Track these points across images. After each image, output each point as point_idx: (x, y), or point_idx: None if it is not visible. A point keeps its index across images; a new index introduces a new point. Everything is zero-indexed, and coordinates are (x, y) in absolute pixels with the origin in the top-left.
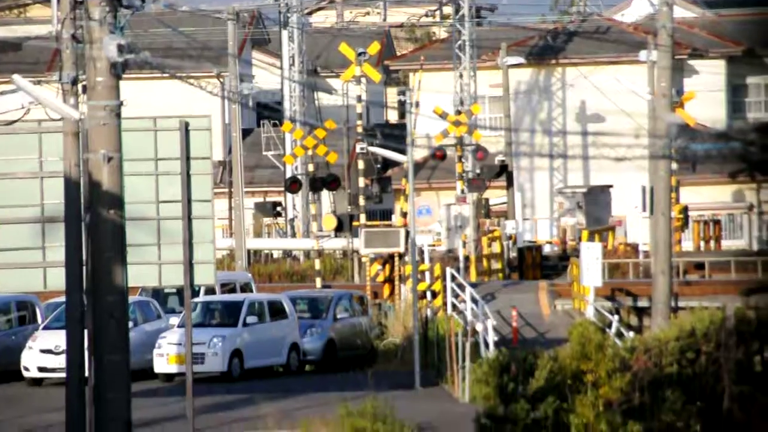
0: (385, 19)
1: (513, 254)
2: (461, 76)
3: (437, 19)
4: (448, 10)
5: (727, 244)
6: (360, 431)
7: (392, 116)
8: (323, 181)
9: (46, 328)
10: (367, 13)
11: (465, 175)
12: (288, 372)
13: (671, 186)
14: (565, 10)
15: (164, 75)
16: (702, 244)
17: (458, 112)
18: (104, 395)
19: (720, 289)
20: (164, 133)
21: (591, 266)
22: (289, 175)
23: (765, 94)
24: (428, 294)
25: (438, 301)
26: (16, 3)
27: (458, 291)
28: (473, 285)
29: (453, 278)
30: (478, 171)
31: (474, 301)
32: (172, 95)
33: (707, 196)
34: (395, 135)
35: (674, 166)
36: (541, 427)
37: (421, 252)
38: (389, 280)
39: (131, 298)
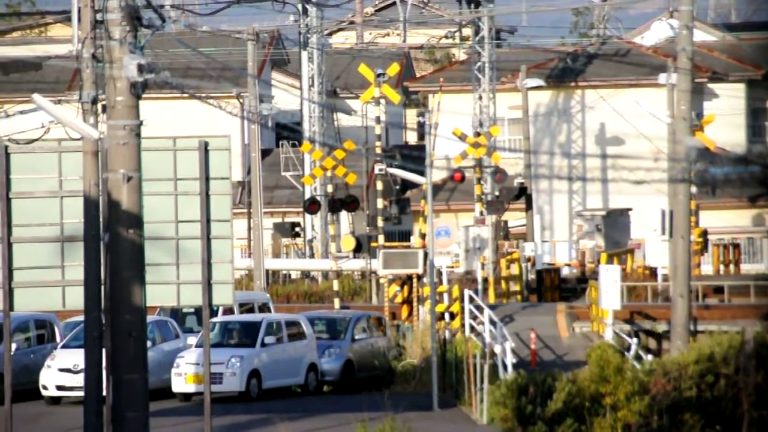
0: (404, 41)
1: (531, 276)
2: (480, 97)
3: (457, 40)
4: (467, 31)
5: (746, 268)
6: None
7: (411, 137)
8: (342, 202)
9: (64, 346)
10: (387, 35)
11: (484, 197)
12: (306, 392)
13: (690, 210)
14: (585, 33)
15: (184, 95)
16: (721, 267)
17: (477, 134)
18: (122, 414)
19: (739, 313)
20: (183, 152)
21: (610, 289)
22: (308, 195)
23: None
24: (446, 315)
25: (456, 323)
26: (36, 22)
27: (476, 313)
28: (492, 307)
29: (471, 300)
30: (497, 193)
31: (492, 322)
32: (192, 115)
33: (727, 221)
34: (414, 156)
35: (693, 189)
36: None
37: (440, 273)
38: (407, 301)
39: (149, 318)
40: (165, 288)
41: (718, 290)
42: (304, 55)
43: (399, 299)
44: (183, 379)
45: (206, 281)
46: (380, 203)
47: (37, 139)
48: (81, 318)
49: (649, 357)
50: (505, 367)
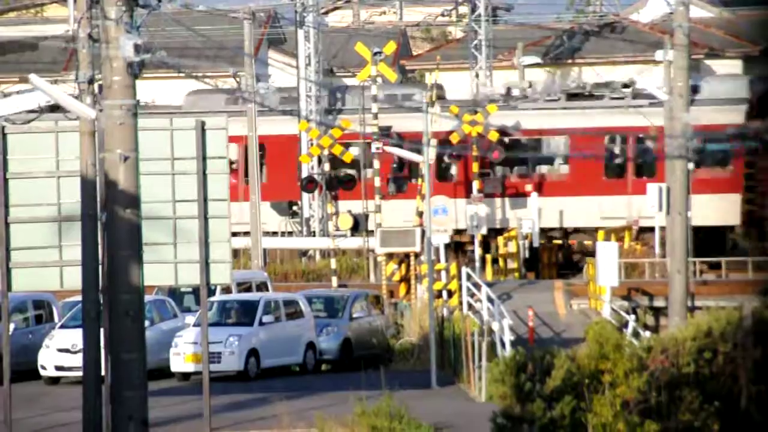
0: (401, 19)
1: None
2: (477, 75)
3: (453, 18)
4: (464, 9)
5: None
6: (376, 430)
7: None
8: (339, 180)
9: (62, 327)
10: (383, 13)
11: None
12: (304, 371)
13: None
14: (582, 10)
15: (180, 75)
16: None
17: (474, 112)
18: (121, 394)
19: (737, 288)
20: (180, 132)
21: (607, 266)
22: (305, 174)
23: None
24: (444, 293)
25: (454, 301)
26: (32, 2)
27: (474, 290)
28: (489, 284)
29: (469, 277)
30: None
31: (490, 300)
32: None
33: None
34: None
35: (690, 166)
36: (558, 426)
37: (438, 251)
38: (405, 279)
39: (147, 297)
40: (163, 267)
41: (716, 266)
42: (301, 33)
43: (397, 277)
44: (181, 359)
45: (204, 260)
46: (377, 181)
47: (34, 119)
48: (79, 298)
49: (647, 333)
50: (503, 344)
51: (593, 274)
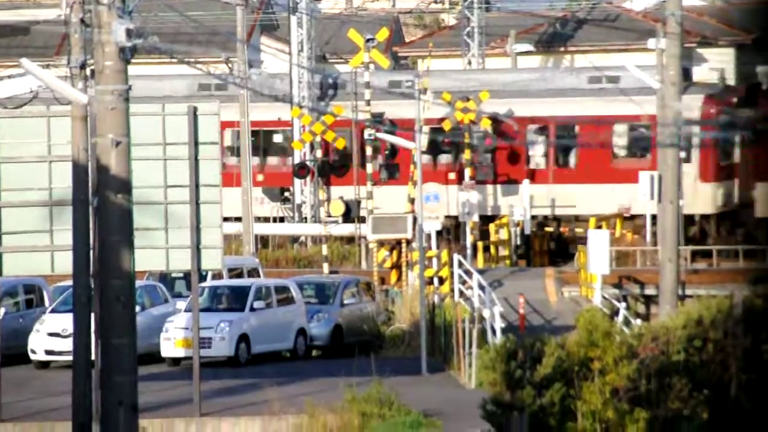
0: (394, 6)
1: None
2: (470, 63)
3: (446, 5)
4: None
5: None
6: (366, 416)
7: None
8: (332, 166)
9: (53, 311)
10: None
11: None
12: (295, 357)
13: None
14: None
15: (173, 60)
16: None
17: (466, 99)
18: (111, 379)
19: (728, 277)
20: (172, 117)
21: (598, 254)
22: (297, 160)
23: None
24: (435, 280)
25: (445, 288)
26: None
27: (465, 277)
28: (480, 271)
29: (460, 264)
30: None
31: (481, 287)
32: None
33: None
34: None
35: (682, 154)
36: (548, 413)
37: (429, 238)
38: (396, 266)
39: (138, 282)
40: (154, 253)
41: (707, 254)
42: (293, 20)
43: (388, 264)
44: (172, 344)
45: (195, 246)
46: (369, 168)
47: (25, 104)
48: (70, 283)
49: (638, 321)
50: (493, 331)
51: (584, 261)
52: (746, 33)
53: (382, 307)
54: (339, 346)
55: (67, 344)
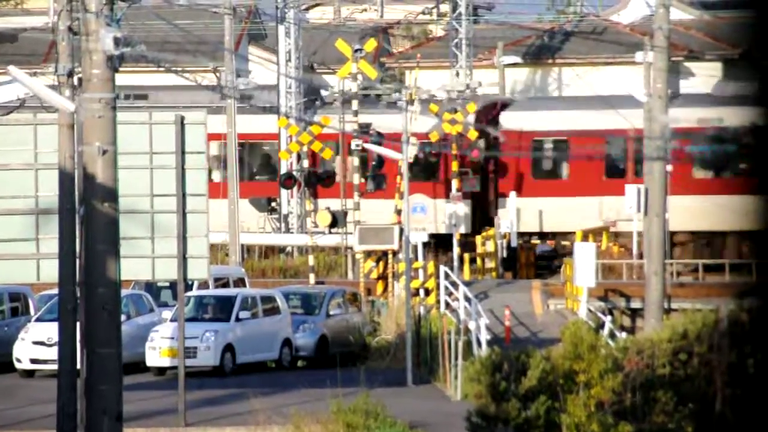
0: (382, 16)
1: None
2: (458, 74)
3: (434, 17)
4: (445, 8)
5: None
6: (352, 427)
7: None
8: (318, 177)
9: (38, 319)
10: (364, 10)
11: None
12: (280, 367)
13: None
14: (562, 10)
15: (160, 69)
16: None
17: (454, 110)
18: (96, 387)
19: (714, 291)
20: (160, 126)
21: (584, 266)
22: (283, 170)
23: None
24: (421, 291)
25: (431, 299)
26: None
27: (451, 289)
28: (466, 283)
29: (446, 276)
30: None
31: (467, 299)
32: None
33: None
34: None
35: (669, 167)
36: (533, 426)
37: (415, 249)
38: (383, 277)
39: (124, 291)
40: (140, 262)
41: (693, 269)
42: (281, 29)
43: (374, 275)
44: (157, 353)
45: (181, 255)
46: (356, 179)
47: (12, 111)
48: (55, 291)
49: (623, 335)
50: (479, 343)
51: (570, 274)
52: (733, 47)
53: (368, 318)
54: (324, 356)
55: (53, 353)
